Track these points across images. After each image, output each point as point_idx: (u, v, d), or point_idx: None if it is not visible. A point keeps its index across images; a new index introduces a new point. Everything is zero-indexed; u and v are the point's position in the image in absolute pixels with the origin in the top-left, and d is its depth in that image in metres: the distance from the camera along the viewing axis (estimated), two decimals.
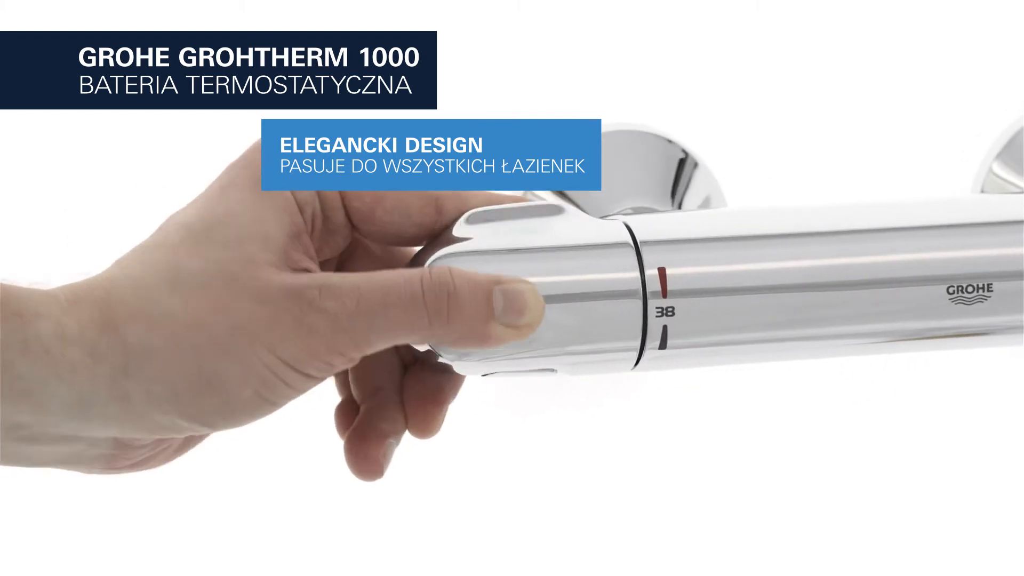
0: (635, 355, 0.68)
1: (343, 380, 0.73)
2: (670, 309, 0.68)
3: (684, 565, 0.93)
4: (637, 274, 0.68)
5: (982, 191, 0.88)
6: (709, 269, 0.69)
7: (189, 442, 0.68)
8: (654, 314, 0.68)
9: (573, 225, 0.69)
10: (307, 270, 0.65)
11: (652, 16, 0.91)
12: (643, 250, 0.68)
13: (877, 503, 0.93)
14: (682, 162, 0.85)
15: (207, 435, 0.68)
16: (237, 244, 0.64)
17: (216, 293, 0.63)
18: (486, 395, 0.90)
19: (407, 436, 0.71)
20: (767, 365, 0.88)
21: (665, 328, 0.68)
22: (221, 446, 0.90)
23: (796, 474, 0.92)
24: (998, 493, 0.93)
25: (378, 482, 0.70)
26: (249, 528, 0.92)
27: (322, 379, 0.65)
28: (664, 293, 0.68)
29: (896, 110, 0.91)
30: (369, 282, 0.64)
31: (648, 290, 0.68)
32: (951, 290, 0.70)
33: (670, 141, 0.85)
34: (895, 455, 0.93)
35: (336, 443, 0.71)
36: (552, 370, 0.69)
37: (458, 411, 0.72)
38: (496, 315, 0.65)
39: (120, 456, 0.65)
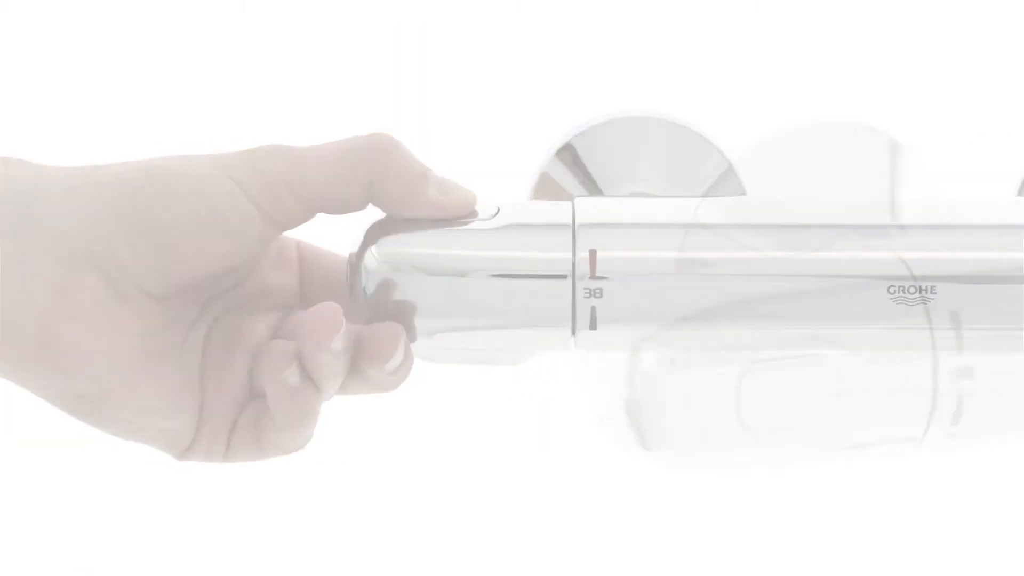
0: (569, 335, 0.69)
1: None
2: (598, 291, 0.68)
3: (681, 562, 0.93)
4: (570, 254, 0.68)
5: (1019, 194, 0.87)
6: (642, 253, 0.69)
7: None
8: (582, 295, 0.68)
9: (524, 204, 0.70)
10: None
11: (653, 16, 0.91)
12: (579, 231, 0.68)
13: (871, 503, 0.93)
14: (708, 160, 0.85)
15: None
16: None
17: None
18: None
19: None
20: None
21: (594, 309, 0.68)
22: None
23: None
24: (989, 494, 0.93)
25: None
26: (252, 525, 0.92)
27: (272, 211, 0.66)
28: (593, 274, 0.68)
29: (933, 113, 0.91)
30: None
31: (578, 271, 0.68)
32: (892, 290, 0.69)
33: (705, 138, 0.85)
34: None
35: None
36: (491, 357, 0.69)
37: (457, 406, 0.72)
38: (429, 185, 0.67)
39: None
